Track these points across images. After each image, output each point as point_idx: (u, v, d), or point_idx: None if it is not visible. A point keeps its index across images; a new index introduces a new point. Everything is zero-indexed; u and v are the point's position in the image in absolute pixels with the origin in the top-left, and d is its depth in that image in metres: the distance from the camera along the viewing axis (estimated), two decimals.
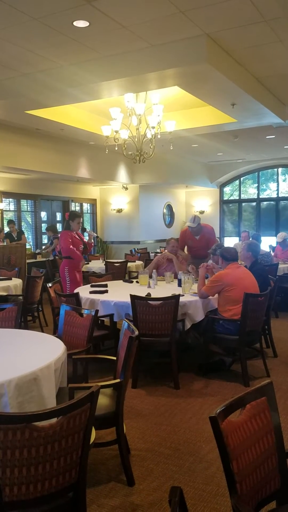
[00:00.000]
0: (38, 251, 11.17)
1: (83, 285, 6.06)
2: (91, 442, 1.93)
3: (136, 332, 2.66)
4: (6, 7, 4.07)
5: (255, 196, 15.38)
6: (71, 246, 6.34)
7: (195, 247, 6.73)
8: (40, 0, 3.98)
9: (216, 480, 2.69)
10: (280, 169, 14.71)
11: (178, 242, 6.25)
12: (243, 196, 15.61)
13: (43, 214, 12.07)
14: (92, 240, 7.03)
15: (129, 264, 8.82)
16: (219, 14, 4.34)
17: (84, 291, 4.96)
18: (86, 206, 13.70)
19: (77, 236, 6.53)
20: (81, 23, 4.45)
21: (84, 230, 6.74)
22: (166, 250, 6.35)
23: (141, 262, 9.47)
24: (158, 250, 11.78)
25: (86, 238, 6.92)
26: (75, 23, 4.45)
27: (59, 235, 9.00)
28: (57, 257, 9.29)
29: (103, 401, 2.72)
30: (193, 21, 4.48)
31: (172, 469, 2.83)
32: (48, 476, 1.71)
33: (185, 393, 4.08)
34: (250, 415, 1.63)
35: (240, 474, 1.52)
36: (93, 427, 1.91)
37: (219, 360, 4.71)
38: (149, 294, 4.57)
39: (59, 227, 11.97)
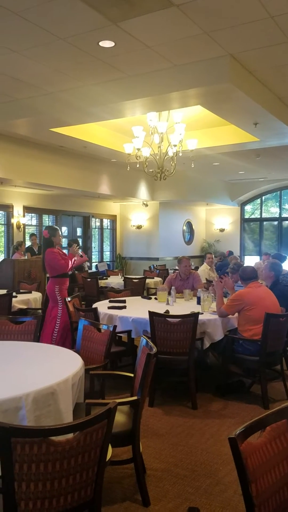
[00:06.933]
0: None
1: (102, 300, 5.99)
2: (107, 459, 1.91)
3: (154, 349, 2.64)
4: (32, 26, 4.19)
5: (277, 215, 15.28)
6: (63, 262, 5.42)
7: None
8: (67, 20, 4.09)
9: (233, 504, 2.62)
10: None
11: (189, 261, 6.14)
12: (264, 215, 15.51)
13: (64, 229, 12.22)
14: (81, 255, 5.91)
15: (147, 280, 8.82)
16: (243, 35, 4.39)
17: (102, 306, 4.97)
18: (106, 222, 13.82)
19: (61, 252, 5.63)
20: (106, 43, 4.55)
21: (70, 245, 6.03)
22: (178, 270, 6.28)
23: (159, 279, 9.46)
24: (177, 267, 11.74)
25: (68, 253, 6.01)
26: (100, 43, 4.54)
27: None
28: (76, 272, 9.35)
29: (120, 418, 2.69)
30: (217, 42, 4.54)
31: (189, 490, 2.78)
32: (64, 492, 1.69)
33: (202, 413, 4.01)
34: (270, 437, 1.59)
35: (259, 498, 1.48)
36: (109, 444, 1.89)
37: (238, 381, 4.63)
38: (167, 311, 4.54)
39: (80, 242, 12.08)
